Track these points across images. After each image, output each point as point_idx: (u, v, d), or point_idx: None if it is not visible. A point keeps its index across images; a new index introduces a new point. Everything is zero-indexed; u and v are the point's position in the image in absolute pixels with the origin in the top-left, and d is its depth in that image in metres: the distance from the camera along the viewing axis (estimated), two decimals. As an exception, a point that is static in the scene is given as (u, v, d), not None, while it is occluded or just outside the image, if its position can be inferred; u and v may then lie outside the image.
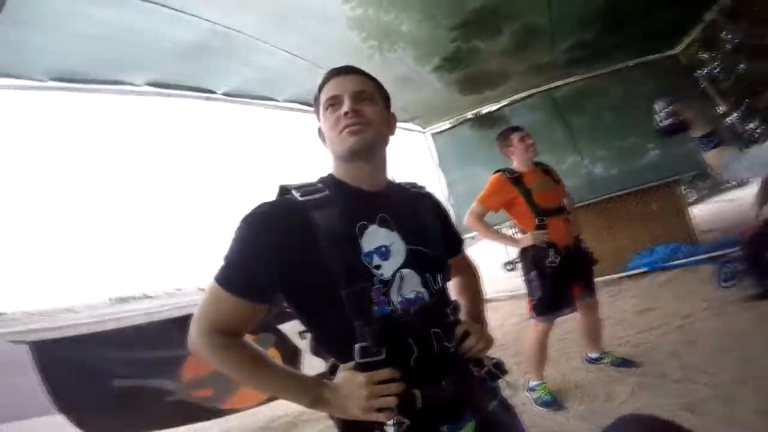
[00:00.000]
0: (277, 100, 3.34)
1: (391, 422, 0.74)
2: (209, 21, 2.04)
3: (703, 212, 7.24)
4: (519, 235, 2.36)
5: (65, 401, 2.44)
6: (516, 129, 2.37)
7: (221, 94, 2.99)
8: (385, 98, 0.96)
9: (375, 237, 0.82)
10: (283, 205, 0.83)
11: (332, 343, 0.83)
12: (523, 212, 2.27)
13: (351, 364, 0.77)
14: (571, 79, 4.44)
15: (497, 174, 2.33)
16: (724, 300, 3.08)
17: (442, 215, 1.05)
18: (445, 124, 4.96)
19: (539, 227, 2.23)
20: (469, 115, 4.82)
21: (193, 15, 1.93)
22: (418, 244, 0.85)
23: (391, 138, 0.96)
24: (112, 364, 2.53)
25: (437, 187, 4.99)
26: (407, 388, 0.76)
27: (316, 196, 0.83)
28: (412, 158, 4.99)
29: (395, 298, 0.79)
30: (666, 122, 1.59)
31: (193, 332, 0.80)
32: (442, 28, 2.88)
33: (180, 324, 2.70)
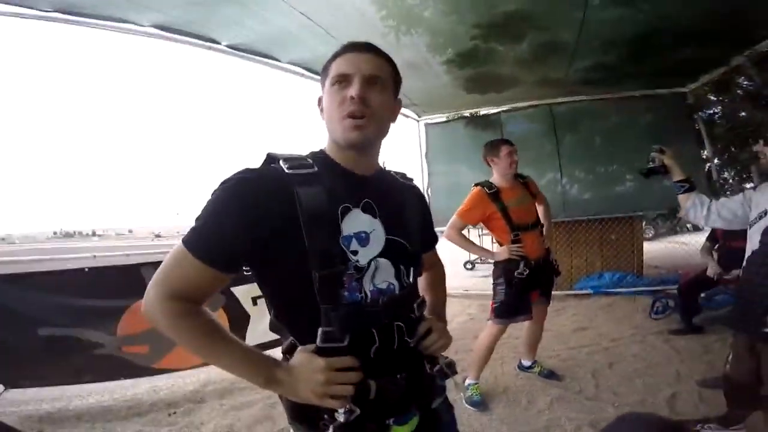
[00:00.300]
0: (280, 61, 3.26)
1: (342, 410, 0.74)
2: None
3: (654, 249, 7.73)
4: (495, 247, 2.53)
5: None
6: (506, 142, 2.46)
7: (225, 46, 2.90)
8: (397, 84, 0.91)
9: (356, 221, 0.80)
10: (268, 174, 0.79)
11: (295, 323, 0.81)
12: (500, 227, 2.41)
13: (311, 346, 0.75)
14: (575, 98, 4.52)
15: (476, 189, 2.44)
16: (649, 330, 3.44)
17: (425, 209, 1.06)
18: (441, 117, 5.00)
19: (514, 241, 2.38)
20: (467, 113, 4.86)
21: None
22: (398, 235, 0.85)
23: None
24: (38, 310, 2.40)
25: (419, 176, 5.08)
26: (363, 378, 0.76)
27: (304, 171, 0.80)
28: (401, 143, 4.99)
29: (367, 286, 0.79)
30: (649, 165, 1.84)
31: (151, 295, 0.75)
32: (465, 24, 2.86)
33: (123, 272, 2.66)
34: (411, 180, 1.04)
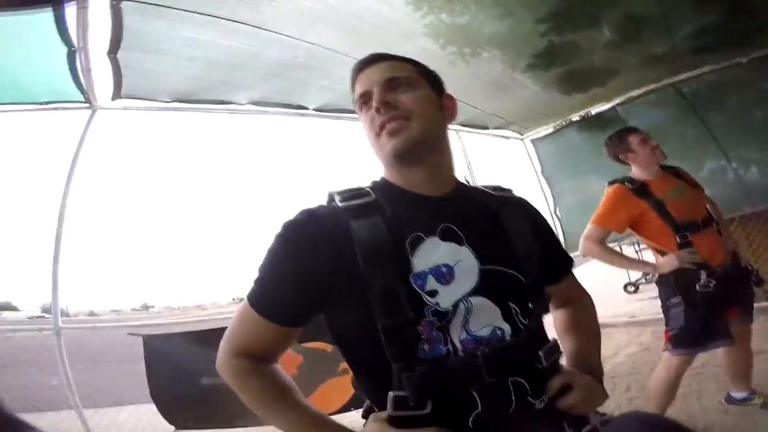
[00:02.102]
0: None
1: None
2: (291, 37, 2.34)
3: None
4: (658, 258, 2.02)
5: (158, 392, 2.82)
6: (633, 130, 2.11)
7: (313, 110, 3.29)
8: (433, 80, 0.84)
9: (434, 253, 0.68)
10: (320, 213, 0.74)
11: (367, 383, 0.72)
12: (658, 230, 1.93)
13: (384, 414, 0.64)
14: (703, 70, 3.83)
15: (614, 185, 2.02)
16: None
17: (541, 227, 0.88)
18: (547, 129, 4.70)
19: (682, 245, 1.87)
20: (576, 117, 4.49)
21: (276, 32, 2.24)
22: (499, 264, 0.70)
23: (452, 125, 0.85)
24: (203, 362, 2.75)
25: (542, 199, 4.72)
26: None
27: (359, 201, 0.72)
28: (511, 168, 4.80)
29: (457, 335, 0.64)
30: None
31: (220, 352, 0.76)
32: (528, 23, 2.78)
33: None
34: (510, 191, 0.89)
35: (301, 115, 3.33)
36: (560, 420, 0.68)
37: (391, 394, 0.63)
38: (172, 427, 2.93)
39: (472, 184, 0.88)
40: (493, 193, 0.85)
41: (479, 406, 0.62)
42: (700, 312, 1.82)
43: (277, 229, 0.73)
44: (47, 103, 2.14)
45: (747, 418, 2.01)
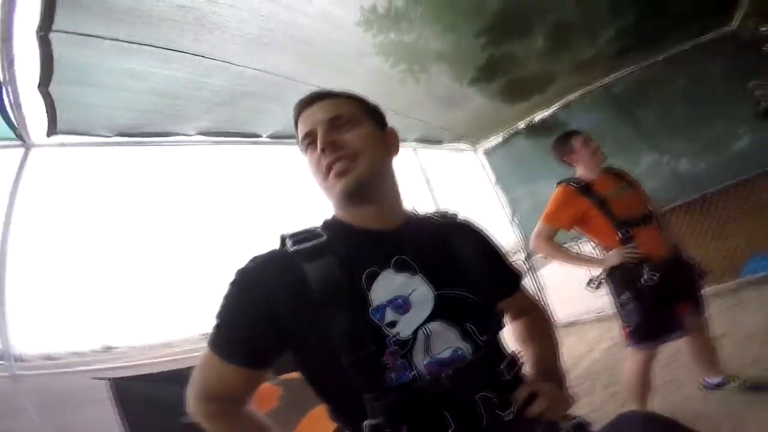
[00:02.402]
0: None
1: None
2: (239, 65, 2.30)
3: None
4: (603, 254, 2.11)
5: None
6: (575, 133, 2.21)
7: (266, 137, 3.24)
8: (375, 115, 0.85)
9: (389, 286, 0.70)
10: (272, 258, 0.75)
11: (342, 415, 0.72)
12: (601, 226, 2.01)
13: None
14: (626, 71, 4.18)
15: (561, 186, 2.12)
16: None
17: (487, 246, 0.91)
18: (497, 139, 4.89)
19: (624, 241, 1.95)
20: (521, 125, 4.71)
21: (223, 61, 2.19)
22: (452, 287, 0.73)
23: (396, 158, 0.85)
24: (180, 401, 2.74)
25: (498, 207, 4.88)
26: None
27: (310, 243, 0.73)
28: (467, 179, 4.92)
29: (420, 360, 0.67)
30: (762, 105, 1.50)
31: (189, 397, 0.76)
32: (467, 37, 2.91)
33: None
34: (454, 216, 0.92)
35: (255, 143, 3.26)
36: (532, 428, 0.71)
37: (366, 423, 0.64)
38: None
39: (418, 213, 0.89)
40: (440, 220, 0.88)
41: (452, 424, 0.64)
42: (650, 306, 1.89)
43: (231, 276, 0.74)
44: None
45: (728, 402, 2.07)
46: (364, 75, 2.92)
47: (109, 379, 2.72)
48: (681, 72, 4.06)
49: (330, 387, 0.72)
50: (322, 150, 0.75)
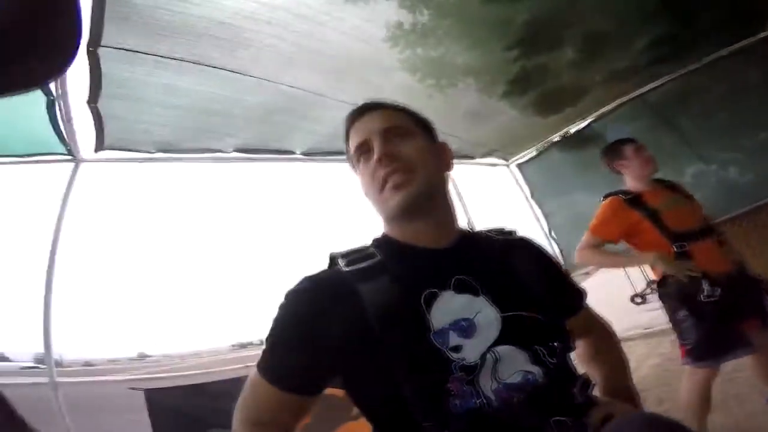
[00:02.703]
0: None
1: None
2: (272, 81, 2.37)
3: None
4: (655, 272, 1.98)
5: None
6: (628, 140, 2.11)
7: (300, 154, 3.28)
8: (426, 128, 0.82)
9: (450, 308, 0.66)
10: (325, 279, 0.72)
11: None
12: (654, 240, 1.89)
13: None
14: (663, 80, 4.02)
15: (609, 198, 2.02)
16: None
17: (548, 264, 0.86)
18: (530, 152, 4.78)
19: (679, 255, 1.83)
20: (556, 137, 4.59)
21: (255, 77, 2.26)
22: (518, 309, 0.68)
23: (450, 173, 0.83)
24: (209, 414, 2.77)
25: (534, 222, 4.71)
26: None
27: (365, 264, 0.69)
28: (501, 195, 4.81)
29: (488, 386, 0.62)
30: None
31: (236, 423, 0.72)
32: (498, 51, 2.90)
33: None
34: (513, 232, 0.87)
35: (289, 159, 3.32)
36: None
37: None
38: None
39: (474, 230, 0.87)
40: (497, 237, 0.83)
41: None
42: (711, 323, 1.76)
43: (281, 299, 0.71)
44: (29, 155, 2.07)
45: None
46: (391, 90, 2.94)
47: (144, 390, 2.81)
48: (719, 79, 3.88)
49: (386, 415, 0.67)
50: (379, 160, 0.72)
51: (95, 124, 1.92)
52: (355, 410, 2.66)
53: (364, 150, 0.76)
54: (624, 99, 4.19)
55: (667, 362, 3.36)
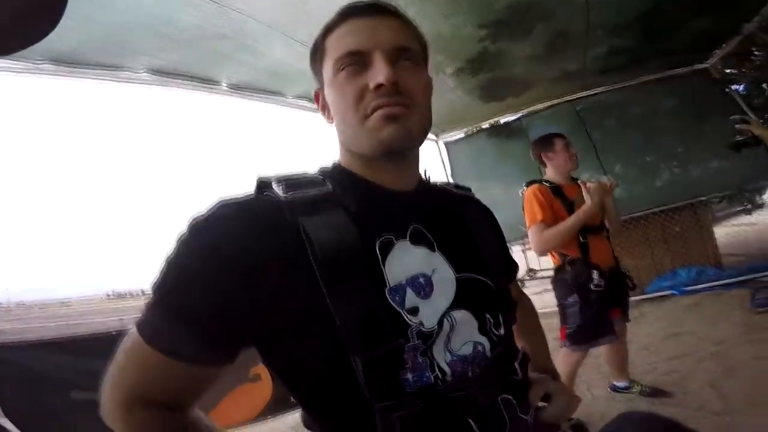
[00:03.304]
0: (285, 96, 3.24)
1: None
2: (218, 3, 1.93)
3: (721, 235, 7.24)
4: (554, 258, 2.14)
5: (15, 410, 2.27)
6: (560, 135, 2.20)
7: (226, 86, 2.88)
8: (426, 55, 0.66)
9: (407, 260, 0.54)
10: (254, 205, 0.53)
11: (336, 428, 0.54)
12: None
13: None
14: (596, 90, 4.36)
15: (536, 185, 2.09)
16: (760, 326, 2.95)
17: (498, 229, 0.77)
18: (460, 133, 4.87)
19: (582, 246, 2.01)
20: (486, 124, 4.73)
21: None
22: (472, 270, 0.60)
23: None
24: (71, 374, 2.39)
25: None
26: None
27: (310, 191, 0.53)
28: (422, 167, 4.81)
29: (441, 357, 0.52)
30: (738, 138, 1.64)
31: (108, 401, 0.52)
32: (471, 26, 2.75)
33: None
34: (469, 190, 0.77)
35: (211, 90, 2.86)
36: (539, 430, 0.62)
37: None
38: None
39: (431, 179, 0.71)
40: (455, 191, 0.73)
41: None
42: (594, 310, 1.98)
43: (181, 228, 0.50)
44: None
45: (630, 405, 2.27)
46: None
47: None
48: (640, 100, 4.33)
49: (323, 392, 0.52)
50: (378, 87, 0.54)
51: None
52: (253, 371, 2.47)
53: (354, 61, 0.56)
54: (557, 101, 4.43)
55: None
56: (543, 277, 5.72)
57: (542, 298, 4.28)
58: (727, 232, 7.48)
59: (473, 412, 0.52)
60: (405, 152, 0.60)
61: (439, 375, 0.51)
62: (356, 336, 0.47)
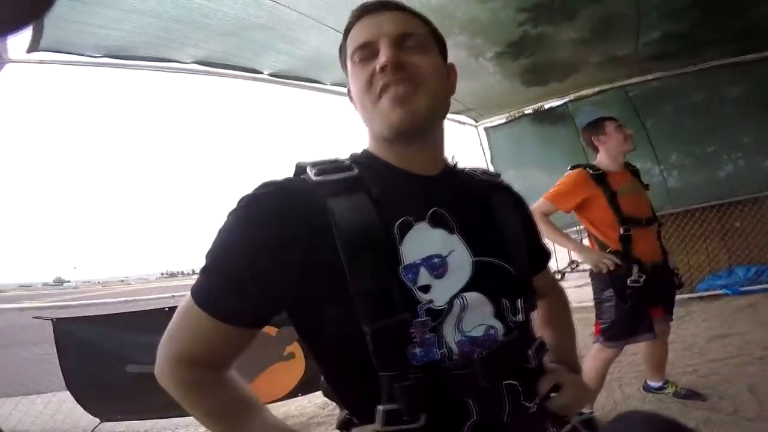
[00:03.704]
0: (323, 83, 3.30)
1: None
2: None
3: None
4: (593, 247, 2.09)
5: (75, 382, 2.54)
6: (610, 118, 2.13)
7: (267, 74, 2.97)
8: (442, 45, 0.70)
9: (423, 241, 0.57)
10: (290, 187, 0.60)
11: (347, 393, 0.61)
12: (605, 217, 1.98)
13: (369, 428, 0.55)
14: (651, 76, 4.02)
15: (577, 169, 2.05)
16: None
17: (527, 215, 0.79)
18: (501, 119, 4.71)
19: (624, 238, 1.93)
20: (529, 109, 4.53)
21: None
22: (493, 255, 0.62)
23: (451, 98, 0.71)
24: (127, 348, 2.57)
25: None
26: None
27: (338, 176, 0.59)
28: (462, 153, 4.73)
29: (451, 336, 0.56)
30: None
31: (161, 358, 0.60)
32: (508, 10, 2.64)
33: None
34: (497, 176, 0.79)
35: (253, 79, 2.98)
36: (546, 421, 0.64)
37: (380, 408, 0.53)
38: (97, 419, 2.65)
39: (458, 165, 0.75)
40: (481, 177, 0.75)
41: (475, 414, 0.55)
42: (630, 306, 1.90)
43: (231, 204, 0.58)
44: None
45: (662, 405, 2.18)
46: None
47: (51, 320, 2.55)
48: (699, 88, 3.98)
49: (339, 358, 0.59)
50: (383, 68, 0.59)
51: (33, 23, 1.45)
52: (287, 349, 2.59)
53: (366, 53, 0.63)
54: (608, 86, 4.16)
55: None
56: (584, 270, 5.50)
57: (582, 291, 4.15)
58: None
59: (473, 392, 0.55)
60: (419, 134, 0.63)
61: (447, 353, 0.55)
62: (367, 308, 0.53)
